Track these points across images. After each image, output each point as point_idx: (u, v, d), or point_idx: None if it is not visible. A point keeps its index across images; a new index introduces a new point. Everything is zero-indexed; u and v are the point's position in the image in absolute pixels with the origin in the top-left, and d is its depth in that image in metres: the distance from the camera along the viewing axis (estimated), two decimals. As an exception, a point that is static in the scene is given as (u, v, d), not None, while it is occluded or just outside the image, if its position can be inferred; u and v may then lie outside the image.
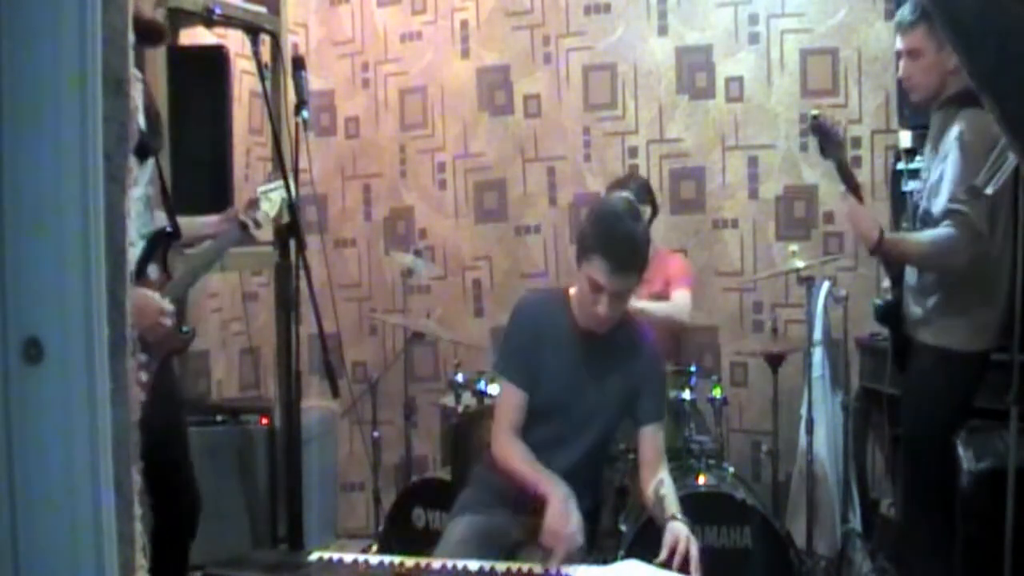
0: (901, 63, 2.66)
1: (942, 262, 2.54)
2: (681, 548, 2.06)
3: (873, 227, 2.57)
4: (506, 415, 2.35)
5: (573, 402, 2.35)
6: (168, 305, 2.31)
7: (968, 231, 2.44)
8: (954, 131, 2.49)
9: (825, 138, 2.67)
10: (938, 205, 2.51)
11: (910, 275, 2.68)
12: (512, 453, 2.30)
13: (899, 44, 2.66)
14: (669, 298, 3.58)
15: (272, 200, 2.71)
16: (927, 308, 2.60)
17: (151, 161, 2.47)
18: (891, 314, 2.74)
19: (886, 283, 2.84)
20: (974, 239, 2.45)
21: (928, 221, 2.57)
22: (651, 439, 2.40)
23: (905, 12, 2.62)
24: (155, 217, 2.47)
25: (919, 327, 2.63)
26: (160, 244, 2.41)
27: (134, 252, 2.32)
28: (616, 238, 2.23)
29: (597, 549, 2.25)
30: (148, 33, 2.27)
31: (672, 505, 2.24)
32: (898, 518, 3.28)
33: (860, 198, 2.67)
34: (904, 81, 2.69)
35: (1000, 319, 2.52)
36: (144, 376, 2.34)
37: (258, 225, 2.67)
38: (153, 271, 2.38)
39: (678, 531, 2.11)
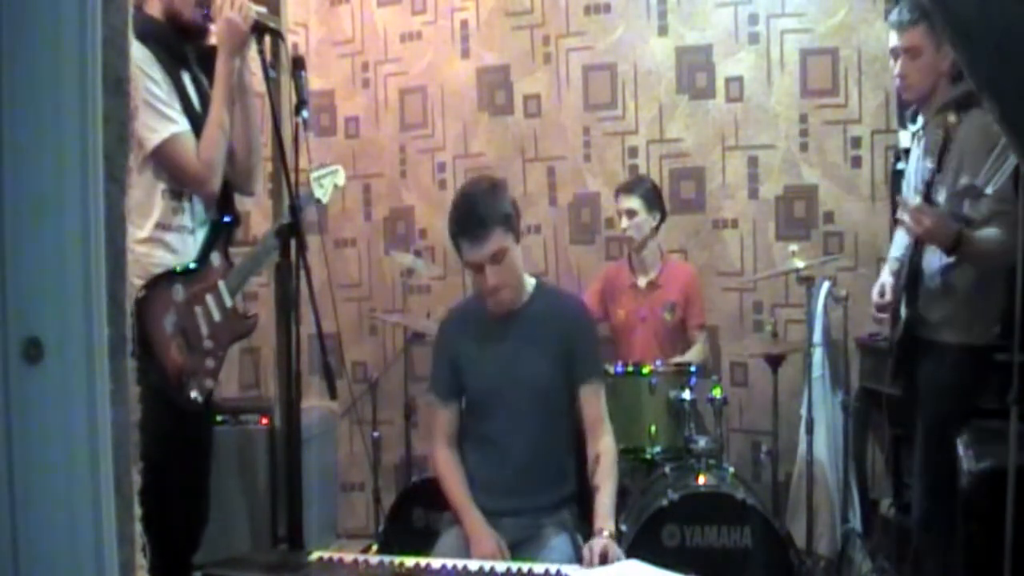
0: (897, 62, 2.64)
1: (1009, 260, 2.38)
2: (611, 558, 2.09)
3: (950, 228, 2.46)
4: (439, 431, 2.46)
5: (509, 386, 2.37)
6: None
7: (1014, 231, 2.36)
8: (975, 133, 2.42)
9: None
10: (984, 206, 2.44)
11: (929, 279, 2.61)
12: (446, 479, 2.41)
13: (895, 41, 2.64)
14: (687, 318, 3.78)
15: (324, 186, 2.69)
16: (952, 307, 2.56)
17: None
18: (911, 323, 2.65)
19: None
20: (1014, 237, 2.40)
21: (970, 222, 2.46)
22: (591, 399, 2.40)
23: (903, 11, 2.60)
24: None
25: (941, 328, 2.58)
26: (222, 233, 2.43)
27: (194, 240, 2.37)
28: (460, 215, 2.32)
29: (590, 534, 2.24)
30: (189, 31, 2.35)
31: (603, 514, 2.23)
32: (899, 518, 3.28)
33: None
34: (899, 80, 2.66)
35: (997, 315, 2.53)
36: (211, 363, 2.35)
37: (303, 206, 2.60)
38: (216, 259, 2.40)
39: (605, 549, 2.11)
